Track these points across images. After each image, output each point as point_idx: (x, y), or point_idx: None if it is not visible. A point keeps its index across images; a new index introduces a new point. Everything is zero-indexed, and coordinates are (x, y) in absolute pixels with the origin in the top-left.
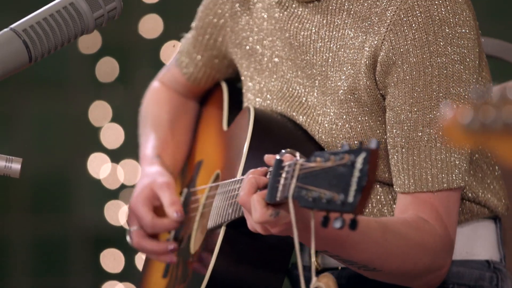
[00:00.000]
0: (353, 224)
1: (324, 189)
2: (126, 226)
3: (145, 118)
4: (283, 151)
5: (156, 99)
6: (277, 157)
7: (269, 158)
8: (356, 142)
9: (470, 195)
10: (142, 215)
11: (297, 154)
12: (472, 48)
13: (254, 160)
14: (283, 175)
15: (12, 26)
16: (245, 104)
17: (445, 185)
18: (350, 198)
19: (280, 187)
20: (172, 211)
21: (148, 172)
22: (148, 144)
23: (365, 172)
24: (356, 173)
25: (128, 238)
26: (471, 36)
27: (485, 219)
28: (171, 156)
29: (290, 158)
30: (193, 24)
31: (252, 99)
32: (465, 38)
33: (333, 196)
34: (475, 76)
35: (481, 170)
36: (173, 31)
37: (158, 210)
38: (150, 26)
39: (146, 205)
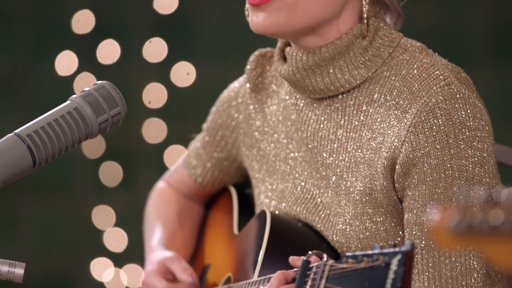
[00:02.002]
0: None
1: None
2: None
3: (151, 215)
4: (309, 252)
5: (162, 199)
6: (304, 258)
7: (294, 259)
8: (371, 243)
9: None
10: (156, 284)
11: (324, 255)
12: (492, 153)
13: (270, 263)
14: (311, 276)
15: (17, 131)
16: (258, 207)
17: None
18: None
19: None
20: (186, 276)
21: (153, 257)
22: (154, 237)
23: (401, 274)
24: (391, 275)
25: None
26: (490, 141)
27: None
28: (178, 250)
29: (317, 260)
30: (204, 126)
31: (266, 203)
32: (485, 142)
33: None
34: (494, 180)
35: (489, 277)
36: (176, 135)
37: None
38: (154, 130)
39: (159, 275)
